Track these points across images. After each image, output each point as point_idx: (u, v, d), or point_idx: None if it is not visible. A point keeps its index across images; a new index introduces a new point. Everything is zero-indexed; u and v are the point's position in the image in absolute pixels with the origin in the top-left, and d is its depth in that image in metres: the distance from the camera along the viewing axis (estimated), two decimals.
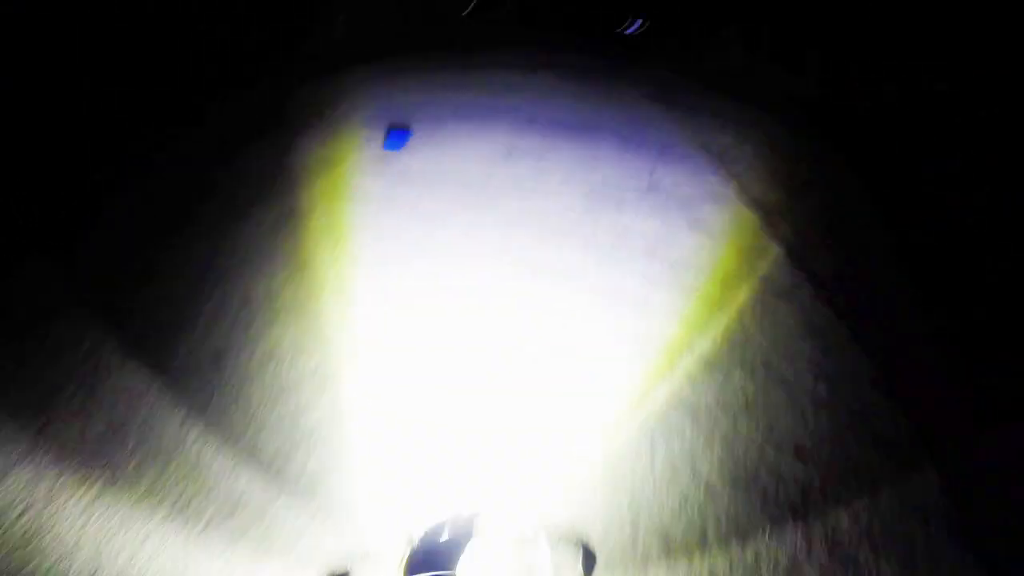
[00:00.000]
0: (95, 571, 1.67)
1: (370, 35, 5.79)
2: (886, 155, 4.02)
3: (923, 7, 5.05)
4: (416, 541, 1.55)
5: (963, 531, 1.82)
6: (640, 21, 4.37)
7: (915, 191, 3.47)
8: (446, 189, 3.09)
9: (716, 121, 5.39)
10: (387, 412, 2.01)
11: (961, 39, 4.75)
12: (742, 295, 2.53)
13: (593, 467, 1.90)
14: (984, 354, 2.32)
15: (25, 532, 1.68)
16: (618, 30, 5.67)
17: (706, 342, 2.21)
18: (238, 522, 1.81)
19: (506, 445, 1.91)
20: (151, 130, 3.52)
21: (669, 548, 1.70)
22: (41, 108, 3.47)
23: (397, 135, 4.12)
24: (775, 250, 2.99)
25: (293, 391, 2.07)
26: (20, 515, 1.71)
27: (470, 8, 4.64)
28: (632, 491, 1.84)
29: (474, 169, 3.45)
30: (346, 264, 2.54)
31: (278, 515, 1.81)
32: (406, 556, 1.52)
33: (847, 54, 5.22)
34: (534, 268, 2.51)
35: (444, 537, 1.58)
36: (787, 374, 2.16)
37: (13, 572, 1.63)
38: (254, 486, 1.86)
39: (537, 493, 1.83)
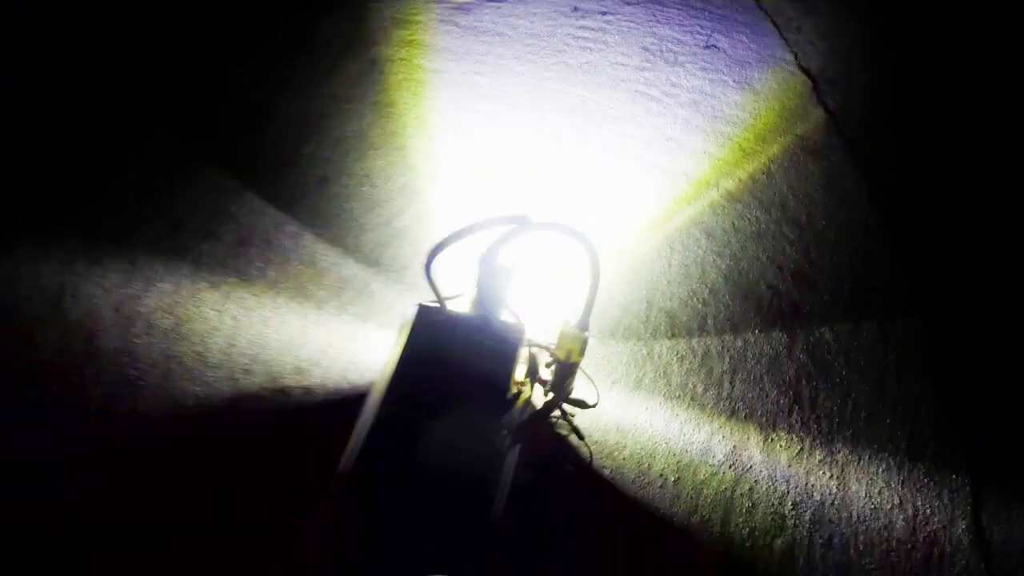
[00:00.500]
0: (230, 346, 2.26)
1: None
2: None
3: None
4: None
5: (937, 371, 2.21)
6: None
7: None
8: (513, 43, 3.39)
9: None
10: (455, 203, 2.51)
11: None
12: (775, 148, 2.82)
13: (620, 262, 2.36)
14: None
15: (174, 323, 2.27)
16: None
17: (732, 181, 2.56)
18: (344, 299, 2.38)
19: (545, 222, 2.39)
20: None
21: (674, 327, 2.19)
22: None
23: None
24: (817, 114, 3.21)
25: (386, 203, 2.58)
26: (168, 310, 2.30)
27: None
28: (649, 282, 2.31)
29: (540, 24, 3.71)
30: (424, 106, 2.94)
31: (375, 292, 2.37)
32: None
33: None
34: (587, 115, 2.85)
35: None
36: (801, 216, 2.51)
37: (165, 354, 2.23)
38: (357, 271, 2.41)
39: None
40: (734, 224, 2.45)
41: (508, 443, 1.51)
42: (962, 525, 1.87)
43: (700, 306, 2.24)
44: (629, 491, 1.89)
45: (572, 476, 1.90)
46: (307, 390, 2.08)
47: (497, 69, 3.08)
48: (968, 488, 1.94)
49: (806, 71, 3.80)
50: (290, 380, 2.10)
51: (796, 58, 4.01)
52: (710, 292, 2.28)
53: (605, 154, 2.71)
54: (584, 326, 1.65)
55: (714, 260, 2.34)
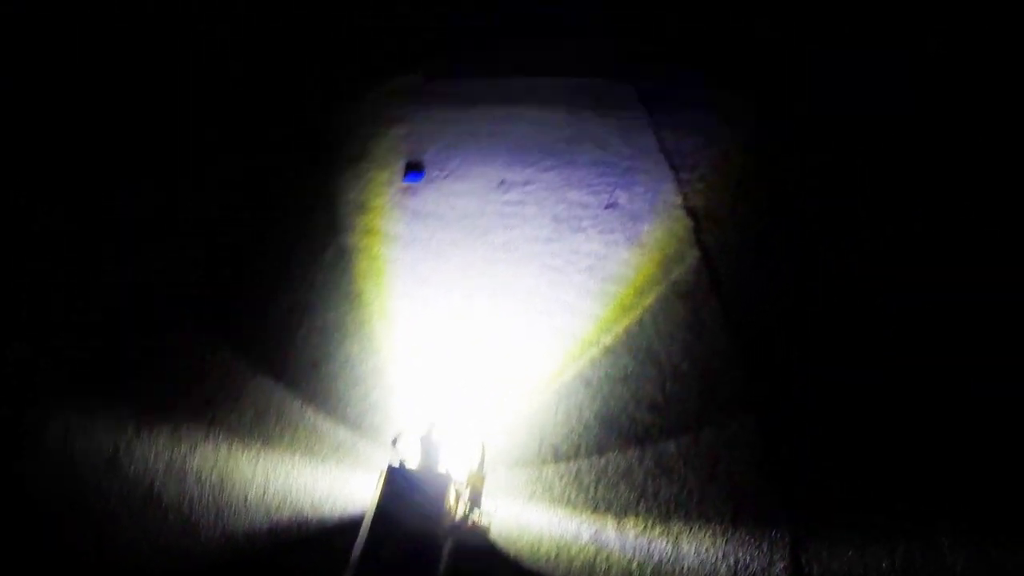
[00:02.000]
0: (265, 492, 3.13)
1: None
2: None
3: None
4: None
5: (763, 458, 3.05)
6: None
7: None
8: (450, 226, 4.40)
9: (679, 132, 6.45)
10: (410, 379, 3.43)
11: None
12: (650, 298, 3.73)
13: (521, 416, 3.26)
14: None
15: (219, 477, 3.16)
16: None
17: (610, 336, 3.47)
18: (340, 455, 3.26)
19: (471, 392, 3.30)
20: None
21: (557, 456, 3.07)
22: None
23: (414, 174, 5.44)
24: (692, 256, 4.16)
25: (363, 381, 3.50)
26: (212, 467, 3.19)
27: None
28: (541, 427, 3.20)
29: (472, 202, 4.74)
30: (383, 295, 3.90)
31: (360, 450, 3.26)
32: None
33: None
34: (506, 292, 3.80)
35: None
36: (661, 355, 3.41)
37: (216, 500, 3.12)
38: (346, 436, 3.31)
39: (483, 421, 3.22)
40: (607, 372, 3.35)
41: (446, 536, 2.46)
42: (780, 565, 2.66)
43: (576, 438, 3.13)
44: (525, 565, 2.75)
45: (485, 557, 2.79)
46: (321, 518, 2.97)
47: (438, 255, 4.06)
48: (787, 538, 2.73)
49: (691, 211, 4.78)
50: (309, 513, 2.98)
51: (684, 200, 5.03)
52: (584, 427, 3.16)
53: (517, 324, 3.64)
54: (481, 472, 2.62)
55: (589, 403, 3.24)
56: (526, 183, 5.11)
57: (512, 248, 4.08)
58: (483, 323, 3.57)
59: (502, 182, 5.14)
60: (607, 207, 4.68)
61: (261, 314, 3.77)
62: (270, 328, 3.73)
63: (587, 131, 6.65)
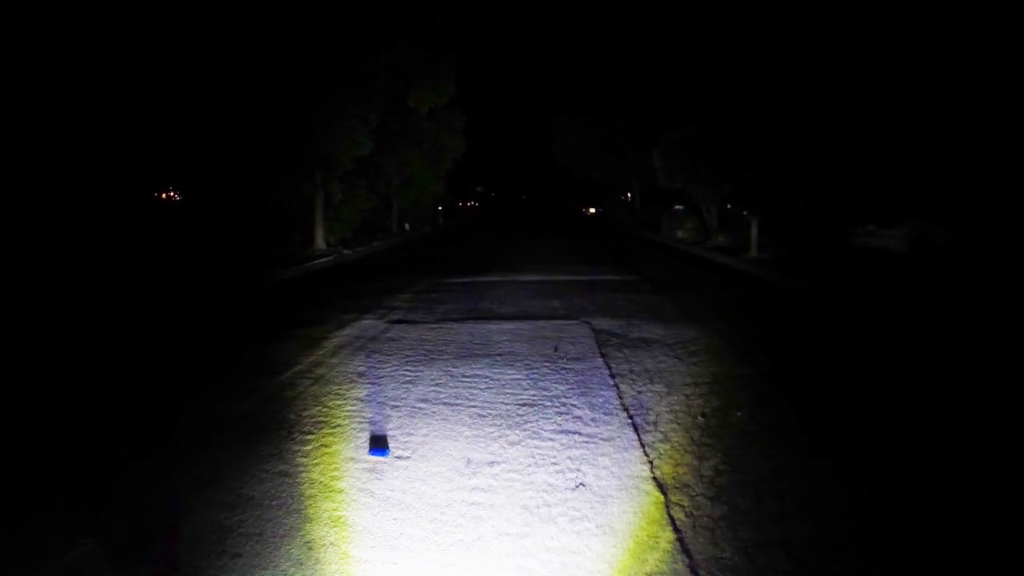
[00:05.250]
0: None
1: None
2: None
3: None
4: None
5: None
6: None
7: None
8: (419, 520, 4.23)
9: (636, 383, 6.71)
10: None
11: None
12: None
13: None
14: None
15: None
16: None
17: None
18: None
19: None
20: None
21: None
22: None
23: (379, 450, 5.40)
24: (665, 539, 4.05)
25: None
26: None
27: None
28: None
29: (439, 489, 4.65)
30: None
31: None
32: None
33: None
34: None
35: None
36: None
37: None
38: None
39: None
40: None
41: None
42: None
43: None
44: None
45: None
46: None
47: (408, 556, 3.86)
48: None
49: (659, 484, 4.78)
50: None
51: (651, 468, 5.05)
52: None
53: None
54: None
55: None
56: (492, 463, 5.10)
57: (483, 546, 3.93)
58: None
59: (468, 461, 5.12)
60: (576, 487, 4.66)
61: None
62: None
63: (547, 391, 6.86)
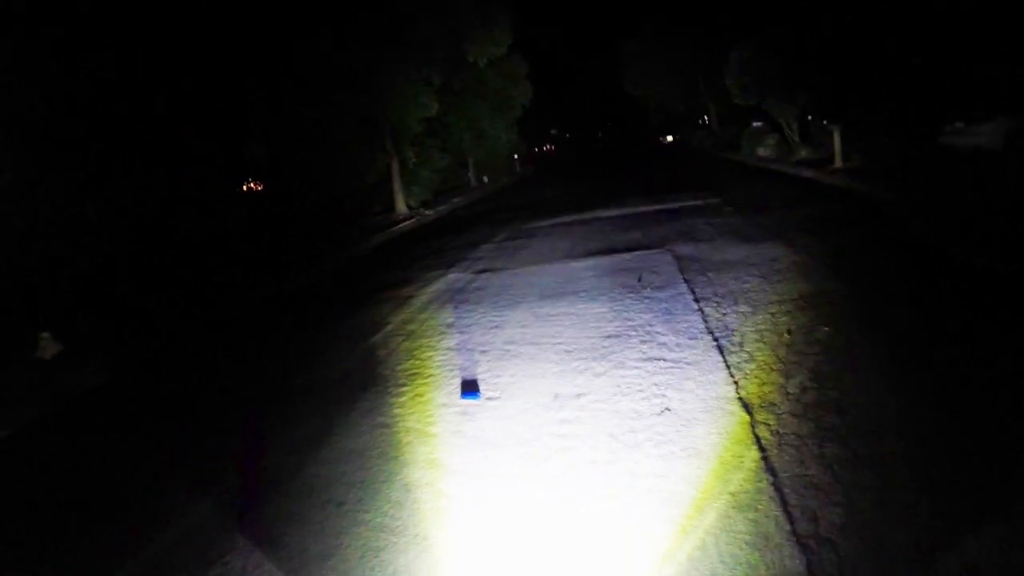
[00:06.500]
0: None
1: None
2: None
3: None
4: None
5: None
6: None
7: None
8: (507, 455, 4.42)
9: (722, 304, 6.53)
10: None
11: None
12: (711, 518, 3.49)
13: None
14: None
15: None
16: None
17: (672, 568, 3.26)
18: None
19: None
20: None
21: None
22: None
23: (470, 393, 5.61)
24: (750, 458, 3.99)
25: None
26: None
27: None
28: None
29: (526, 425, 4.80)
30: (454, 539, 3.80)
31: None
32: None
33: None
34: (566, 530, 3.66)
35: None
36: None
37: None
38: None
39: None
40: None
41: None
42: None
43: None
44: None
45: None
46: None
47: (498, 488, 4.04)
48: None
49: (745, 403, 4.69)
50: None
51: (736, 389, 4.96)
52: None
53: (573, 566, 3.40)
54: None
55: None
56: (579, 395, 5.18)
57: (570, 476, 4.04)
58: (540, 561, 3.38)
59: (556, 396, 5.23)
60: (661, 412, 4.66)
61: None
62: None
63: (631, 322, 6.81)
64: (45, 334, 9.93)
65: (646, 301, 7.52)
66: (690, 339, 6.05)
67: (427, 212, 24.48)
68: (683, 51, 40.12)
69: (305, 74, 19.69)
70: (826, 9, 18.40)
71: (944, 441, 3.82)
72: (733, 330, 6.12)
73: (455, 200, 28.73)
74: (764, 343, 5.69)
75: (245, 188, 26.92)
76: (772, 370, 5.11)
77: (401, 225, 21.71)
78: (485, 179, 37.28)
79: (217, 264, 16.32)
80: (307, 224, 22.42)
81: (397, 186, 24.07)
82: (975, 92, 17.62)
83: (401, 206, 24.28)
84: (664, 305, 7.24)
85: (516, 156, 44.51)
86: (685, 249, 10.18)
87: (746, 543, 3.21)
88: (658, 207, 15.84)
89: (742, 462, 3.92)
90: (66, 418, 7.49)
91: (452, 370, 6.32)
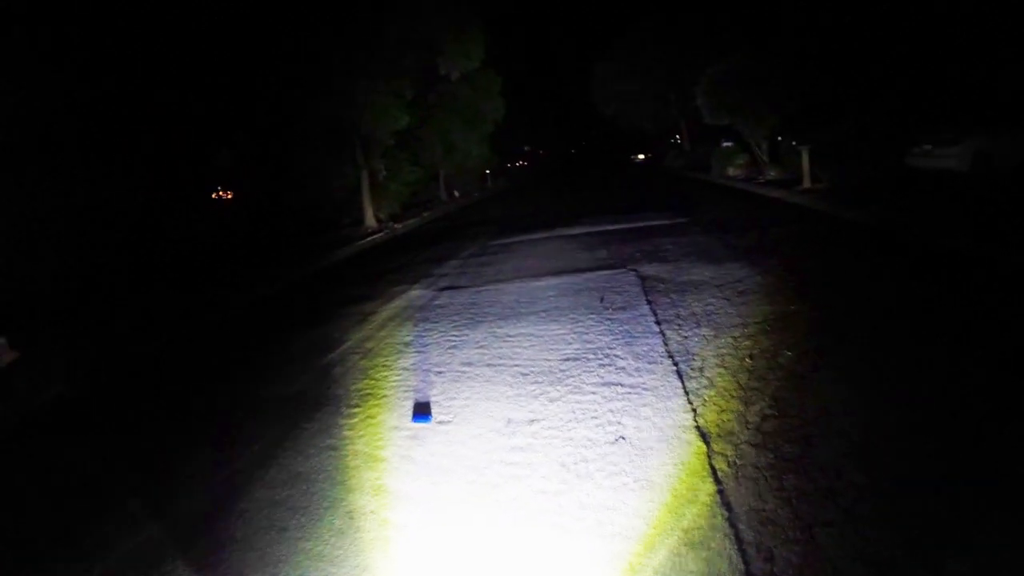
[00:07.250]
0: None
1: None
2: None
3: None
4: None
5: None
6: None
7: None
8: (457, 482, 4.27)
9: (683, 327, 6.49)
10: None
11: None
12: (662, 555, 3.42)
13: None
14: None
15: None
16: None
17: None
18: None
19: None
20: None
21: None
22: None
23: (421, 416, 5.46)
24: (704, 492, 3.88)
25: None
26: None
27: None
28: None
29: (478, 451, 4.67)
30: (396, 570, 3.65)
31: None
32: None
33: None
34: (512, 559, 3.55)
35: None
36: None
37: None
38: None
39: None
40: None
41: None
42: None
43: None
44: None
45: None
46: None
47: (445, 516, 3.89)
48: None
49: (701, 433, 4.62)
50: None
51: (694, 417, 4.89)
52: None
53: None
54: None
55: None
56: (532, 421, 5.07)
57: (519, 507, 3.91)
58: None
59: (508, 421, 5.11)
60: (615, 441, 4.57)
61: None
62: None
63: (591, 344, 6.74)
64: (1, 339, 9.53)
65: (607, 323, 7.46)
66: (649, 363, 5.98)
67: (396, 226, 24.26)
68: (655, 72, 40.82)
69: (273, 78, 19.46)
70: (793, 34, 18.86)
71: (911, 471, 3.72)
72: (694, 354, 6.07)
73: (425, 214, 28.56)
74: (725, 368, 5.64)
75: (215, 196, 26.41)
76: (732, 397, 5.05)
77: (370, 238, 21.45)
78: (456, 193, 37.23)
79: (181, 276, 15.89)
80: (275, 236, 22.06)
81: (367, 199, 23.84)
82: (942, 114, 18.07)
83: (370, 219, 24.04)
84: (625, 327, 7.17)
85: (488, 171, 44.59)
86: (650, 269, 10.17)
87: None
88: (626, 226, 15.90)
89: (696, 495, 3.81)
90: (12, 431, 7.13)
91: (406, 391, 6.15)
